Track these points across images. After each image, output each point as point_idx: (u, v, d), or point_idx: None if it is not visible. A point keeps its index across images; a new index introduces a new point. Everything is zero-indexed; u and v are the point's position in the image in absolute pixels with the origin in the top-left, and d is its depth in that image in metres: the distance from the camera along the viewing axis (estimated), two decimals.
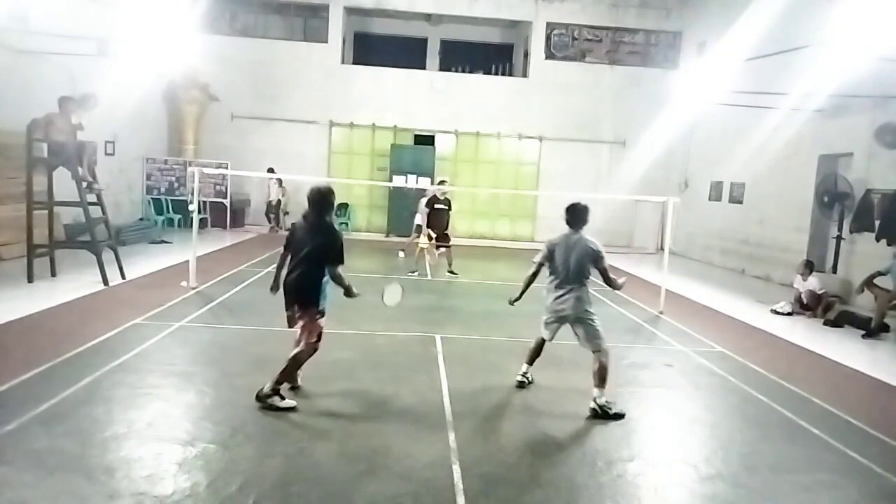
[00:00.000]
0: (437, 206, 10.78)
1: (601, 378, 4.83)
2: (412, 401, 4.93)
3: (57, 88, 9.17)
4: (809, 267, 9.83)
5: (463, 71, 18.88)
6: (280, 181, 16.09)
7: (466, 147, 18.56)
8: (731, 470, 4.07)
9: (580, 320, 4.99)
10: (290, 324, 4.80)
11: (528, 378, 5.42)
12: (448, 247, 11.06)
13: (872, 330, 8.38)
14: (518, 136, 18.46)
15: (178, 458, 3.70)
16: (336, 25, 17.98)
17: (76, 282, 8.37)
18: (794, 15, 11.72)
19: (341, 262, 4.61)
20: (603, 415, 4.72)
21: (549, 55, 18.38)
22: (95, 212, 8.72)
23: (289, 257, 4.77)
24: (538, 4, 18.17)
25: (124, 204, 14.94)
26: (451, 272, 11.06)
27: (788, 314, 9.49)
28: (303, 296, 4.64)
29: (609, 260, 5.12)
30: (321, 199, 4.64)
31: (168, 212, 16.18)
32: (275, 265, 5.00)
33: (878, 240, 10.20)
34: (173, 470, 3.56)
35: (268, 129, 17.85)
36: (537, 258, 5.24)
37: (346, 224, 17.58)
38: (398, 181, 16.68)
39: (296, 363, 4.68)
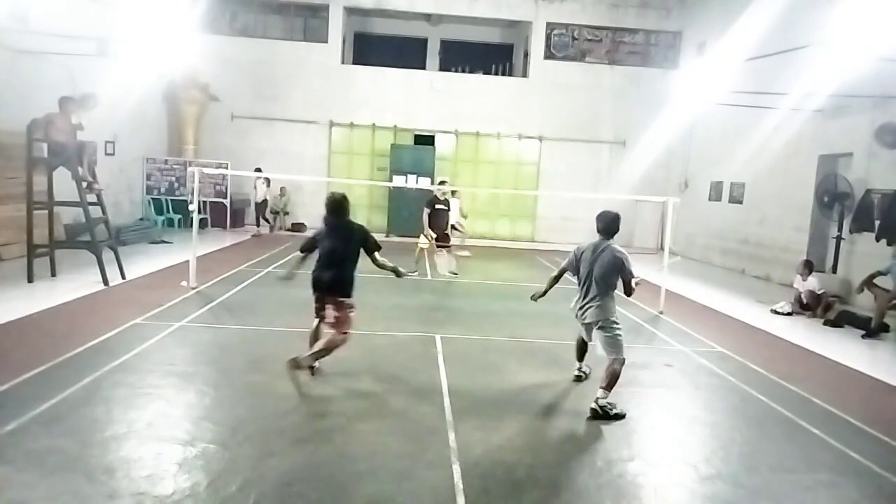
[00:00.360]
0: (437, 206, 10.76)
1: (610, 382, 4.84)
2: (412, 401, 4.93)
3: (57, 88, 9.18)
4: (809, 267, 9.82)
5: (463, 71, 18.88)
6: (268, 180, 15.94)
7: (466, 147, 18.56)
8: (730, 470, 4.06)
9: (602, 328, 5.01)
10: (317, 314, 5.20)
11: (584, 372, 5.60)
12: (448, 247, 11.06)
13: (872, 330, 8.37)
14: (518, 136, 18.45)
15: (178, 458, 3.70)
16: (336, 25, 17.98)
17: (76, 282, 8.37)
18: (793, 15, 11.72)
19: (379, 247, 5.22)
20: (603, 415, 4.72)
21: (549, 55, 18.38)
22: (95, 212, 8.72)
23: (316, 256, 5.16)
24: (538, 4, 18.17)
25: (124, 204, 14.94)
26: (451, 272, 11.05)
27: (788, 314, 9.49)
28: (338, 291, 5.05)
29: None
30: (341, 205, 5.20)
31: (168, 212, 16.18)
32: (296, 254, 5.39)
33: (877, 240, 10.20)
34: (173, 470, 3.56)
35: (268, 129, 17.85)
36: (564, 263, 5.31)
37: None
38: (398, 181, 16.67)
39: (328, 350, 5.00)
